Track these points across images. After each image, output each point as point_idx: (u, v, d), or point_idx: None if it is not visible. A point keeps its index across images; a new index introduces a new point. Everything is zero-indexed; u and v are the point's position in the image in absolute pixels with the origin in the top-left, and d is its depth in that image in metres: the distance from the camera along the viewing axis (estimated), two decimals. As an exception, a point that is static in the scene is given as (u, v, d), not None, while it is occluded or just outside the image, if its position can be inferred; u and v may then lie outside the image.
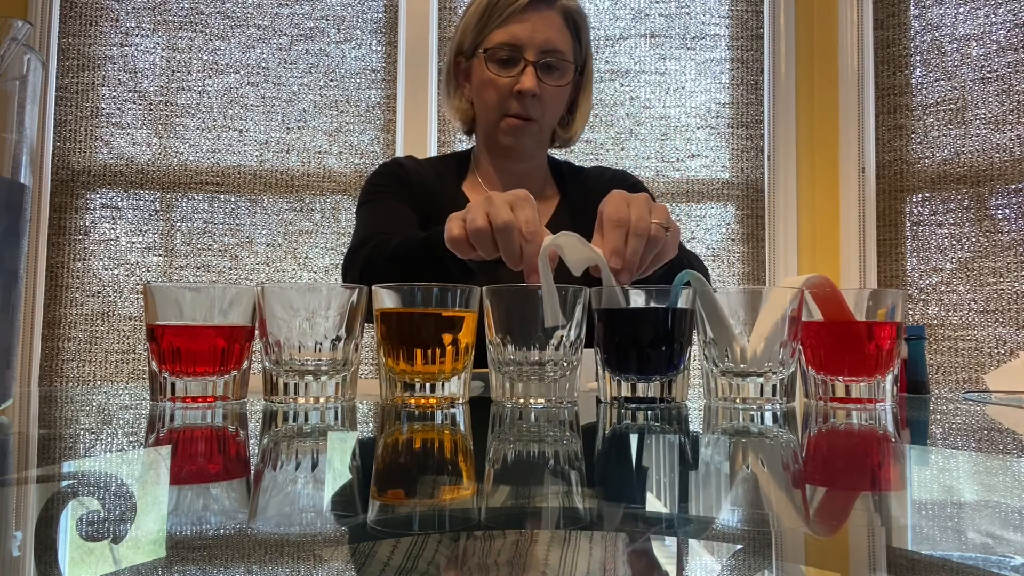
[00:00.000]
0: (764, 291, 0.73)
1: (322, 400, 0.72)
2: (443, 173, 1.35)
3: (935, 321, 2.23)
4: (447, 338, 0.72)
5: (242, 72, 2.39)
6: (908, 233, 2.29)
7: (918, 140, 2.29)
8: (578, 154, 2.40)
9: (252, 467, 0.45)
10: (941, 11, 2.28)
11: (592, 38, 2.43)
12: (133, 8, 2.39)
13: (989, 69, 2.20)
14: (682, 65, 2.44)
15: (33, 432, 0.57)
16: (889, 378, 0.76)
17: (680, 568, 0.26)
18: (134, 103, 2.37)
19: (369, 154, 2.39)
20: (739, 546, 0.28)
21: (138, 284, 2.33)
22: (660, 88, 2.44)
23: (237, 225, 2.36)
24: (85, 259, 2.32)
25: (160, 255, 2.35)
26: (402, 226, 1.24)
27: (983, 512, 0.34)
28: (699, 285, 0.74)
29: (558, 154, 1.47)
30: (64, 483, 0.38)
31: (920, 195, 2.28)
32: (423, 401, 0.72)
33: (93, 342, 2.30)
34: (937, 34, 2.28)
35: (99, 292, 2.32)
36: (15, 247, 0.58)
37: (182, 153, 2.37)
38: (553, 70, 1.23)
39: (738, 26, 2.45)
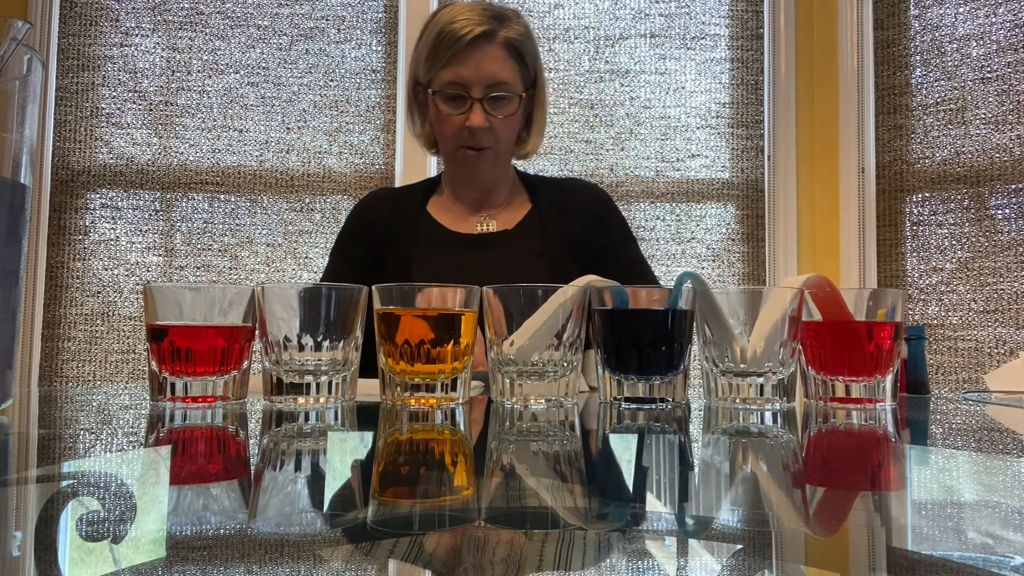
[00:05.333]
0: (764, 291, 0.73)
1: (322, 400, 0.72)
2: (408, 199, 1.42)
3: (935, 321, 2.23)
4: (447, 338, 0.72)
5: (242, 72, 2.39)
6: (908, 233, 2.29)
7: (918, 140, 2.29)
8: (578, 154, 2.40)
9: (252, 467, 0.45)
10: (941, 11, 2.27)
11: (592, 38, 2.44)
12: (133, 8, 2.39)
13: (989, 69, 2.20)
14: (682, 65, 2.44)
15: (33, 432, 0.57)
16: (889, 378, 0.76)
17: (680, 568, 0.26)
18: (134, 103, 2.37)
19: (369, 154, 2.39)
20: (739, 546, 0.28)
21: (138, 284, 2.33)
22: (660, 88, 2.44)
23: (237, 225, 2.36)
24: (85, 259, 2.32)
25: (160, 255, 2.35)
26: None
27: (983, 512, 0.34)
28: (699, 285, 0.74)
29: (531, 167, 1.50)
30: (64, 483, 0.38)
31: (920, 195, 2.28)
32: (423, 401, 0.72)
33: (93, 342, 2.30)
34: (937, 34, 2.28)
35: (99, 292, 2.31)
36: (15, 247, 0.58)
37: (182, 153, 2.36)
38: (500, 101, 1.29)
39: (738, 26, 2.45)
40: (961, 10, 2.24)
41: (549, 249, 1.33)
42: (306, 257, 2.35)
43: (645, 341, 0.73)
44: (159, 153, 2.36)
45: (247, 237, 2.36)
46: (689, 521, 0.32)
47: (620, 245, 1.39)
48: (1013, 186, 2.15)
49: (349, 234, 1.43)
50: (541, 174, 1.51)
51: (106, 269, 2.33)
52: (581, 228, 1.36)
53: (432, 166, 2.33)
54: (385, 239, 1.37)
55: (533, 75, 1.35)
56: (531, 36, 1.34)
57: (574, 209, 1.39)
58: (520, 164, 1.51)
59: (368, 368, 0.80)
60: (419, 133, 1.41)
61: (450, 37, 1.26)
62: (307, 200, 2.37)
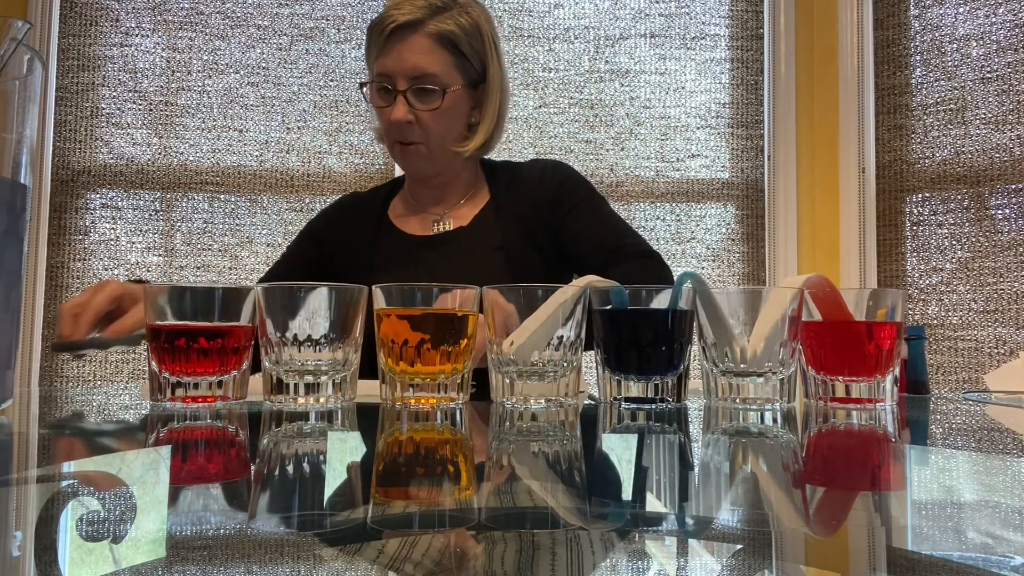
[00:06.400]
0: (764, 291, 0.73)
1: (322, 400, 0.72)
2: (370, 204, 1.39)
3: (935, 321, 2.23)
4: (447, 338, 0.72)
5: (242, 72, 2.39)
6: (908, 233, 2.29)
7: (918, 140, 2.29)
8: (578, 154, 2.40)
9: (252, 467, 0.45)
10: (941, 11, 2.28)
11: (592, 38, 2.44)
12: (133, 8, 2.39)
13: (989, 69, 2.20)
14: (682, 65, 2.44)
15: (33, 432, 0.57)
16: (889, 378, 0.76)
17: (680, 568, 0.26)
18: (134, 103, 2.37)
19: (369, 154, 2.39)
20: (739, 546, 0.28)
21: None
22: (660, 88, 2.44)
23: (237, 225, 2.36)
24: (85, 259, 2.32)
25: (160, 255, 2.35)
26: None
27: (983, 512, 0.34)
28: (699, 285, 0.74)
29: (496, 156, 1.44)
30: (64, 483, 0.38)
31: (920, 195, 2.28)
32: (423, 401, 0.72)
33: (93, 342, 2.30)
34: (937, 34, 2.28)
35: (99, 292, 2.31)
36: (15, 247, 0.58)
37: (182, 153, 2.36)
38: (428, 94, 1.23)
39: (738, 26, 2.45)
40: (961, 10, 2.24)
41: (506, 242, 1.27)
42: (306, 257, 2.35)
43: (645, 341, 0.73)
44: (159, 153, 2.36)
45: (247, 237, 2.36)
46: (689, 521, 0.32)
47: (583, 207, 1.29)
48: (1013, 186, 2.15)
49: (304, 235, 1.41)
50: (508, 161, 1.43)
51: (106, 269, 2.33)
52: (536, 209, 1.29)
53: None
54: (342, 246, 1.34)
55: (481, 69, 1.28)
56: (478, 28, 1.26)
57: (528, 192, 1.32)
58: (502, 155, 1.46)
59: (368, 371, 0.80)
60: (375, 126, 1.36)
61: (377, 28, 1.23)
62: (307, 200, 2.37)
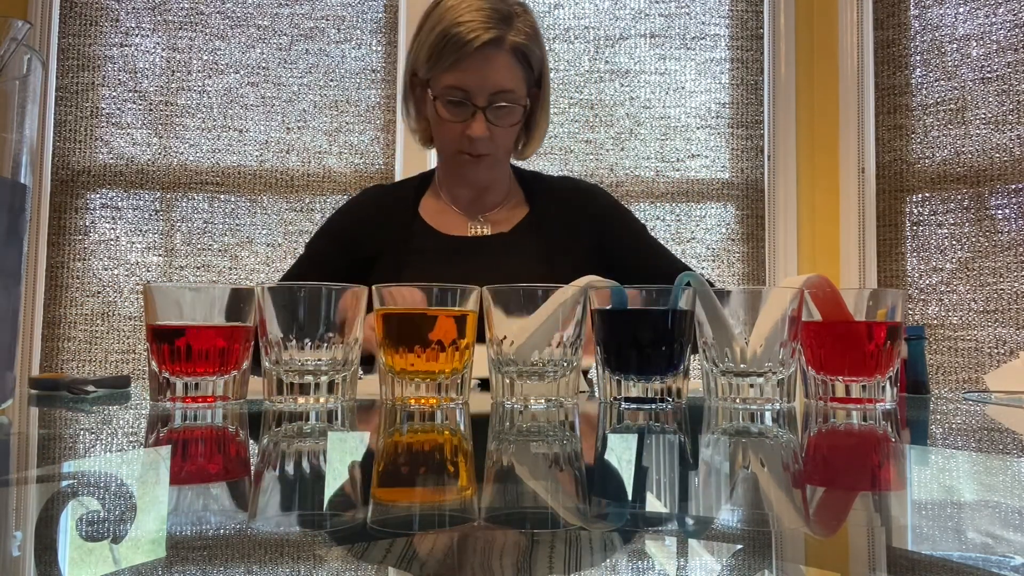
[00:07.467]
0: (764, 291, 0.73)
1: (322, 400, 0.72)
2: (401, 199, 1.37)
3: (935, 321, 2.23)
4: (447, 338, 0.72)
5: (242, 72, 2.39)
6: (908, 233, 2.29)
7: (918, 140, 2.29)
8: (578, 154, 2.40)
9: (252, 467, 0.45)
10: (941, 11, 2.27)
11: (592, 38, 2.44)
12: (133, 8, 2.39)
13: (989, 69, 2.20)
14: (682, 65, 2.44)
15: (33, 432, 0.57)
16: (889, 378, 0.76)
17: (680, 568, 0.26)
18: (134, 103, 2.37)
19: (369, 154, 2.39)
20: (739, 546, 0.28)
21: (138, 284, 2.33)
22: (660, 88, 2.44)
23: (237, 225, 2.36)
24: (85, 259, 2.32)
25: (160, 255, 2.34)
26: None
27: (983, 512, 0.34)
28: (699, 286, 0.74)
29: (529, 166, 1.46)
30: (64, 483, 0.38)
31: (920, 195, 2.28)
32: (423, 401, 0.72)
33: (93, 342, 2.30)
34: (937, 34, 2.28)
35: (99, 292, 2.31)
36: (15, 247, 0.58)
37: (182, 153, 2.36)
38: (504, 110, 1.24)
39: (738, 26, 2.45)
40: (961, 10, 2.24)
41: (552, 253, 1.29)
42: (306, 257, 2.35)
43: (645, 341, 0.73)
44: (159, 153, 2.36)
45: (247, 237, 2.35)
46: (689, 521, 0.32)
47: (637, 238, 1.40)
48: (1013, 186, 2.15)
49: (331, 234, 1.37)
50: (538, 172, 1.47)
51: (106, 269, 2.33)
52: (586, 229, 1.34)
53: (432, 163, 2.33)
54: (373, 242, 1.32)
55: (538, 76, 1.30)
56: (538, 33, 1.28)
57: (577, 211, 1.36)
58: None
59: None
60: (415, 128, 1.35)
61: (456, 40, 1.19)
62: (307, 200, 2.37)
